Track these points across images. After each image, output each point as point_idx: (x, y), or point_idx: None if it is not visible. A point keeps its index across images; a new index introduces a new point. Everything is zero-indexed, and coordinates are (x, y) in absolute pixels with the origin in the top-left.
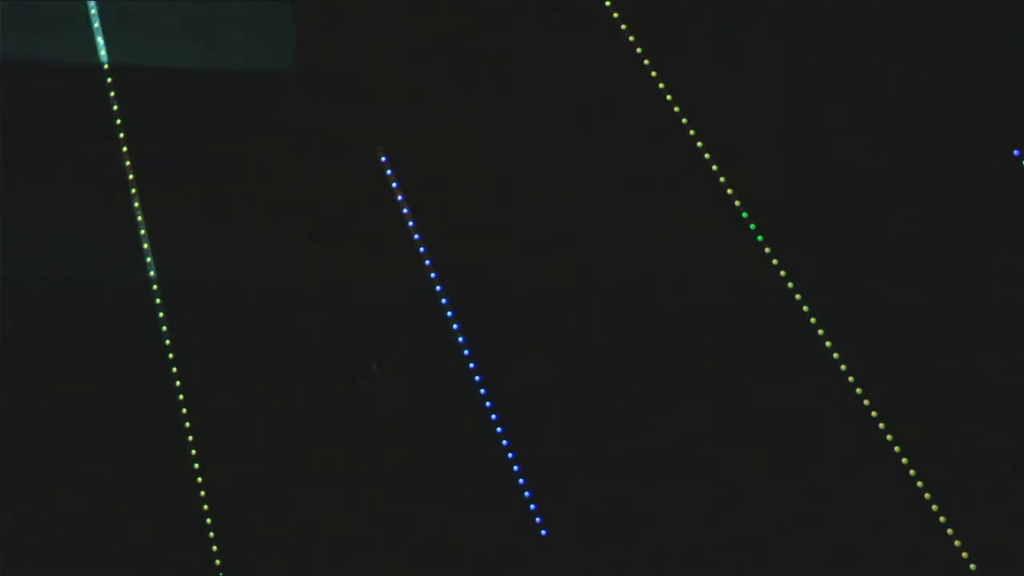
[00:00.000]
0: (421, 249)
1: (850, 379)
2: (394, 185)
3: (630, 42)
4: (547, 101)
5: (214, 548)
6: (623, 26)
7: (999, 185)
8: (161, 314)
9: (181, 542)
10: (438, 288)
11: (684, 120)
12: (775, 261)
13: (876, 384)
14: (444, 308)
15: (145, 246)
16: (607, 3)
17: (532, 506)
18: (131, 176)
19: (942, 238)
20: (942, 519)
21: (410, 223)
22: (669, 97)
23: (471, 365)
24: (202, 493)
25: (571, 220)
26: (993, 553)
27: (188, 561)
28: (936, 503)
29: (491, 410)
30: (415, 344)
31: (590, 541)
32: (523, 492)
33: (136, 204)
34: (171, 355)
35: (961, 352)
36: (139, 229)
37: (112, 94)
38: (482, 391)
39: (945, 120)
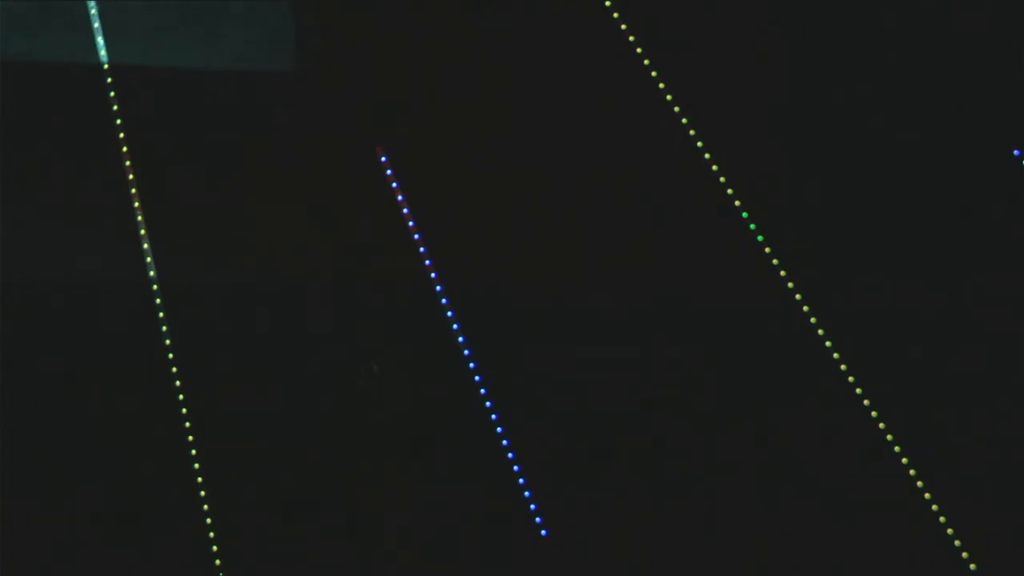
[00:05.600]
0: (421, 249)
1: (850, 379)
2: (394, 185)
3: (630, 42)
4: (547, 101)
5: (214, 548)
6: (623, 26)
7: (999, 185)
8: (161, 314)
9: (181, 542)
10: (438, 288)
11: (684, 120)
12: (775, 261)
13: (876, 384)
14: (444, 308)
15: (145, 246)
16: (607, 3)
17: (532, 506)
18: (131, 176)
19: (942, 238)
20: (942, 519)
21: (410, 223)
22: (669, 97)
23: (471, 365)
24: (202, 493)
25: (571, 220)
26: (993, 553)
27: (188, 561)
28: (936, 503)
29: (491, 410)
30: (415, 343)
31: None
32: (523, 492)
33: (136, 204)
34: (171, 355)
35: (961, 352)
36: (139, 229)
37: (112, 94)
38: (482, 391)
39: (945, 120)
